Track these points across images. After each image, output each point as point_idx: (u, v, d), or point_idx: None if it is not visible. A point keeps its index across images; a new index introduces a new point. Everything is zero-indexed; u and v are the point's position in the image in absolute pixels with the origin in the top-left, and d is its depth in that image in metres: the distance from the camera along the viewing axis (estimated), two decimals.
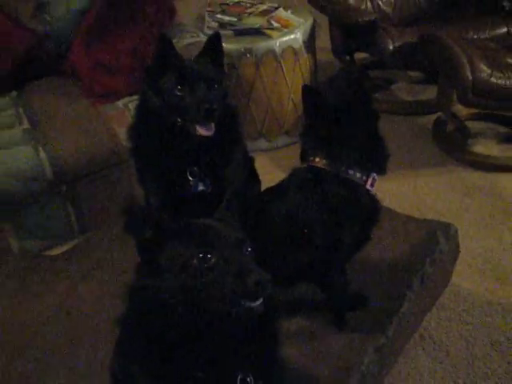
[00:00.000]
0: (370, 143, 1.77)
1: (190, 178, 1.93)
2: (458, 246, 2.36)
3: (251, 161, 2.34)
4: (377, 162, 1.78)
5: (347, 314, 1.99)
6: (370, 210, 1.80)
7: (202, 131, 1.81)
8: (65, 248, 2.62)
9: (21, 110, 2.98)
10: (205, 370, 1.17)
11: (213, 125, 1.81)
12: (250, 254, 1.26)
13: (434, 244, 2.22)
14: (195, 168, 1.93)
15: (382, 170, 1.80)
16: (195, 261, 1.18)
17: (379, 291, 2.06)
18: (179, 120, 1.84)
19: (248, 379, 1.22)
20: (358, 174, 1.74)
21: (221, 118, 1.85)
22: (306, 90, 1.75)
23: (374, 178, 1.77)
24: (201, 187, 1.96)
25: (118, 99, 2.96)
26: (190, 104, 1.79)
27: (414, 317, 2.10)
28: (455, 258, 2.38)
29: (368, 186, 1.76)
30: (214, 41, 1.94)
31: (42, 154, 2.67)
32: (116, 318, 1.36)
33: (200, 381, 1.17)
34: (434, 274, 2.17)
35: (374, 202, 1.80)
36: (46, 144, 2.72)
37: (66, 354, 1.93)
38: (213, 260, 1.18)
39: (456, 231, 2.33)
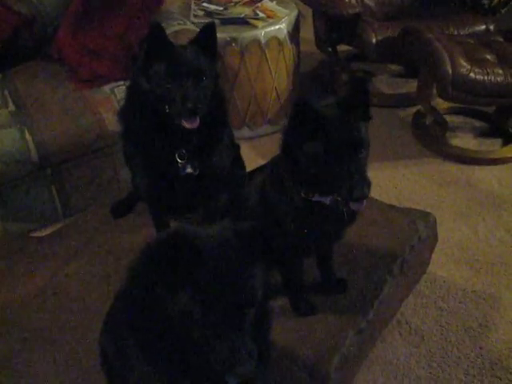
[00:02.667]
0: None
1: (179, 161, 1.96)
2: (436, 235, 2.43)
3: (237, 147, 2.38)
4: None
5: (329, 297, 2.04)
6: (302, 212, 1.73)
7: (186, 124, 1.85)
8: (49, 231, 2.64)
9: (6, 92, 2.95)
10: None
11: (197, 119, 1.84)
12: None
13: (414, 232, 2.28)
14: (184, 150, 1.96)
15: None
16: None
17: (360, 276, 2.11)
18: (167, 107, 1.87)
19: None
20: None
21: (209, 105, 1.89)
22: (301, 107, 1.56)
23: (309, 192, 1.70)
24: (188, 169, 1.99)
25: (104, 84, 2.95)
26: (176, 98, 1.83)
27: (393, 301, 2.17)
28: (433, 246, 2.45)
29: (302, 194, 1.69)
30: (209, 30, 1.95)
31: (28, 137, 2.68)
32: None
33: None
34: (413, 261, 2.24)
35: (308, 206, 1.71)
36: (31, 127, 2.72)
37: (53, 334, 1.95)
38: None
39: (435, 220, 2.39)
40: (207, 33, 1.95)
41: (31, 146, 2.67)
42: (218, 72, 1.99)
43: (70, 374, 1.82)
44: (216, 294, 1.13)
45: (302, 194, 1.68)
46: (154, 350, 1.24)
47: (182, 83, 1.83)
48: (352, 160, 1.53)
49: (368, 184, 1.52)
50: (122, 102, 2.80)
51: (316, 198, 1.67)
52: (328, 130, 1.54)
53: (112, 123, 2.82)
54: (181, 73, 1.83)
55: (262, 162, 1.97)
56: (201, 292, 1.13)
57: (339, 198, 1.64)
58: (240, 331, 1.15)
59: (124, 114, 2.08)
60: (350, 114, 1.57)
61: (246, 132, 3.72)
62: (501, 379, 2.17)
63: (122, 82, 2.95)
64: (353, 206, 1.58)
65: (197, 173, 1.99)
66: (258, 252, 1.23)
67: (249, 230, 1.24)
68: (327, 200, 1.67)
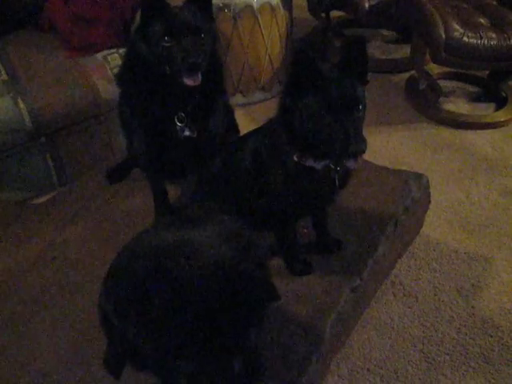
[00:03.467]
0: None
1: (178, 124, 1.97)
2: (429, 196, 2.46)
3: (232, 112, 2.39)
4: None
5: (324, 257, 2.08)
6: (294, 176, 1.75)
7: (188, 81, 1.84)
8: (44, 199, 2.64)
9: None
10: None
11: (199, 75, 1.84)
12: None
13: (407, 192, 2.30)
14: (182, 113, 1.96)
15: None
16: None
17: (355, 236, 2.14)
18: (167, 68, 1.86)
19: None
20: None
21: (207, 66, 1.89)
22: (301, 56, 1.57)
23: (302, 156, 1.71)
24: (187, 133, 1.99)
25: (97, 52, 2.93)
26: (176, 56, 1.82)
27: (386, 261, 2.20)
28: (426, 207, 2.48)
29: (295, 158, 1.70)
30: None
31: (22, 105, 2.66)
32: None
33: None
34: (407, 221, 2.27)
35: (299, 170, 1.73)
36: (25, 95, 2.70)
37: (53, 296, 1.98)
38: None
39: (427, 181, 2.41)
40: None
41: (25, 114, 2.66)
42: (216, 33, 1.99)
43: (69, 333, 1.85)
44: None
45: (295, 158, 1.69)
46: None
47: (180, 40, 1.82)
48: (348, 118, 1.54)
49: (364, 141, 1.53)
50: (116, 68, 2.84)
51: (309, 162, 1.68)
52: (326, 86, 1.55)
53: (105, 90, 2.82)
54: (179, 30, 1.82)
55: (254, 127, 1.98)
56: None
57: (332, 165, 1.68)
58: None
59: (122, 78, 2.07)
60: (347, 74, 1.58)
61: (239, 98, 3.72)
62: (491, 336, 2.22)
63: (114, 50, 2.94)
64: (348, 163, 1.59)
65: (195, 135, 2.00)
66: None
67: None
68: (319, 165, 1.69)
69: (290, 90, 1.63)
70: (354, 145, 1.51)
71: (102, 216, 2.28)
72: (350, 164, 1.59)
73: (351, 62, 1.60)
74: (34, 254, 2.15)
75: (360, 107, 1.57)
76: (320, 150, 1.64)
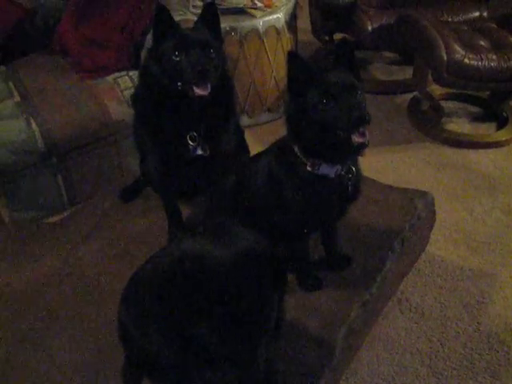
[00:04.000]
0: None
1: (190, 143, 2.02)
2: (434, 213, 2.50)
3: (242, 132, 2.44)
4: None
5: (333, 273, 2.12)
6: (308, 187, 1.81)
7: (198, 91, 1.88)
8: (55, 219, 2.69)
9: (11, 83, 3.00)
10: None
11: (208, 85, 1.89)
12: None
13: (413, 210, 2.34)
14: (194, 133, 2.02)
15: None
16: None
17: (363, 253, 2.18)
18: (179, 84, 1.91)
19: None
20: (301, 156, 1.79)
21: (218, 85, 1.95)
22: (292, 56, 1.74)
23: (315, 163, 1.78)
24: (199, 151, 2.05)
25: (108, 74, 3.01)
26: (186, 68, 1.88)
27: (394, 277, 2.24)
28: (432, 224, 2.52)
29: (308, 168, 1.77)
30: (210, 9, 2.01)
31: (34, 127, 2.72)
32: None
33: None
34: (413, 238, 2.31)
35: (314, 181, 1.80)
36: (37, 117, 2.76)
37: (69, 312, 2.02)
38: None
39: (432, 199, 2.46)
40: (209, 12, 2.01)
41: (37, 135, 2.71)
42: (224, 52, 2.05)
43: (86, 349, 1.88)
44: None
45: (308, 168, 1.76)
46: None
47: (190, 54, 1.88)
48: (349, 99, 1.63)
49: (368, 113, 1.60)
50: (126, 90, 2.90)
51: (322, 170, 1.75)
52: (323, 78, 1.68)
53: (116, 112, 2.88)
54: (188, 45, 1.89)
55: (261, 149, 2.03)
56: None
57: (344, 172, 1.76)
58: None
59: (136, 99, 2.14)
60: (341, 69, 1.73)
61: (245, 120, 3.77)
62: (497, 351, 2.25)
63: (125, 72, 3.02)
64: (357, 138, 1.62)
65: (207, 154, 2.05)
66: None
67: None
68: (332, 173, 1.76)
69: (291, 90, 1.74)
70: (358, 114, 1.58)
71: (115, 234, 2.32)
72: (359, 139, 1.63)
73: (342, 62, 1.74)
74: (50, 271, 2.19)
75: (359, 92, 1.67)
76: (330, 149, 1.72)
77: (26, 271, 2.20)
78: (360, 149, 1.70)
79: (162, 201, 2.31)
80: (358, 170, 1.88)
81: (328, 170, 1.76)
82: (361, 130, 1.61)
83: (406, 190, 2.49)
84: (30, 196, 2.88)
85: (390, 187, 2.53)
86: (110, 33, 3.02)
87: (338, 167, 1.77)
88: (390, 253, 2.17)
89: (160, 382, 1.61)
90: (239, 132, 2.37)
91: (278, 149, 1.88)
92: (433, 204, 2.47)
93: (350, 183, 1.81)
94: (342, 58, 1.74)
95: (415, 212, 2.34)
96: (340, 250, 2.17)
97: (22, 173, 2.79)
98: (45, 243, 2.34)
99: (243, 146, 2.44)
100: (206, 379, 1.35)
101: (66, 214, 2.75)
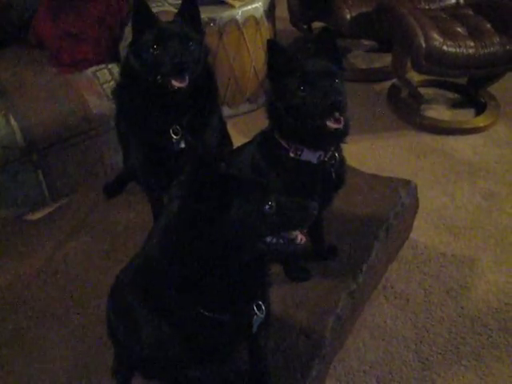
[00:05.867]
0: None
1: (173, 136, 2.02)
2: (417, 201, 2.53)
3: (224, 124, 2.44)
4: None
5: (320, 263, 2.14)
6: (292, 172, 1.84)
7: (176, 83, 1.88)
8: (38, 215, 2.67)
9: None
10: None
11: (186, 77, 1.89)
12: None
13: (397, 198, 2.37)
14: (177, 126, 2.01)
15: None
16: None
17: (349, 242, 2.20)
18: (158, 77, 1.91)
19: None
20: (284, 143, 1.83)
21: (200, 77, 1.96)
22: (271, 44, 1.78)
23: (297, 148, 1.81)
24: (182, 145, 2.05)
25: (86, 68, 2.97)
26: (164, 60, 1.87)
27: (380, 266, 2.27)
28: (415, 212, 2.55)
29: (291, 154, 1.81)
30: (189, 2, 2.01)
31: (13, 122, 2.69)
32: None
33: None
34: (397, 226, 2.34)
35: (297, 167, 1.82)
36: (16, 112, 2.73)
37: (58, 310, 2.01)
38: None
39: (415, 187, 2.49)
40: (189, 5, 2.01)
41: (17, 131, 2.69)
42: (206, 45, 2.04)
43: (75, 347, 1.88)
44: None
45: (291, 154, 1.78)
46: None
47: (168, 46, 1.88)
48: (326, 87, 1.66)
49: (344, 101, 1.65)
50: (106, 84, 2.88)
51: (304, 155, 1.78)
52: (301, 65, 1.72)
53: (96, 106, 2.86)
54: (167, 38, 1.89)
55: (242, 139, 2.04)
56: None
57: (326, 159, 1.80)
58: None
59: (118, 93, 2.12)
60: (322, 58, 1.76)
61: (225, 110, 3.72)
62: (481, 335, 2.29)
63: (104, 65, 2.98)
64: (331, 124, 1.66)
65: (189, 148, 2.05)
66: None
67: None
68: (314, 158, 1.79)
69: (270, 78, 1.77)
70: (333, 100, 1.62)
71: (100, 230, 2.31)
72: (333, 125, 1.66)
73: (323, 50, 1.77)
74: (36, 269, 2.17)
75: (336, 80, 1.70)
76: (309, 134, 1.75)
77: (11, 270, 2.18)
78: (337, 135, 1.73)
79: (146, 195, 2.30)
80: (342, 158, 1.90)
81: (310, 156, 1.79)
82: (336, 115, 1.64)
83: (389, 179, 2.52)
84: (11, 193, 2.85)
85: (374, 176, 2.55)
86: (87, 26, 2.96)
87: (321, 153, 1.79)
88: (376, 241, 2.19)
89: (151, 378, 1.62)
90: (222, 124, 2.36)
91: (261, 138, 1.90)
92: (416, 192, 2.50)
93: (333, 170, 1.84)
94: (322, 46, 1.77)
95: (399, 200, 2.37)
96: (326, 240, 2.19)
97: (1, 169, 2.75)
98: (30, 241, 2.32)
99: (226, 139, 2.43)
100: (194, 376, 1.36)
101: (48, 209, 2.72)
